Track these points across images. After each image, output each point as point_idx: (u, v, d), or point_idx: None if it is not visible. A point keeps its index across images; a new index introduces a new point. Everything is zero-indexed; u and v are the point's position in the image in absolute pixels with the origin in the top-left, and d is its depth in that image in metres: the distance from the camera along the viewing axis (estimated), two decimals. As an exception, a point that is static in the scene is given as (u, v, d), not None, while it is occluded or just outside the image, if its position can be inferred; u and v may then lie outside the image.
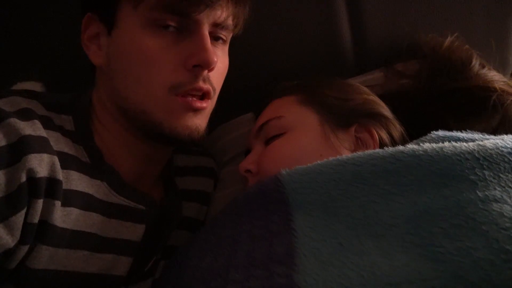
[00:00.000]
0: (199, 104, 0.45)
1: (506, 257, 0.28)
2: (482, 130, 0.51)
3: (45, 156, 0.40)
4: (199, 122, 0.46)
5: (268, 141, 0.51)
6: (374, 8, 0.69)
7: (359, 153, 0.41)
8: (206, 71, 0.44)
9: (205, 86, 0.45)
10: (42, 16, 0.62)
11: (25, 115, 0.42)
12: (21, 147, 0.38)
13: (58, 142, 0.43)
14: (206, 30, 0.44)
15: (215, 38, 0.47)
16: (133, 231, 0.48)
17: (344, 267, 0.33)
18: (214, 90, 0.47)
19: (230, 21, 0.47)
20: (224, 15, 0.45)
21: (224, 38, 0.48)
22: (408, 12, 0.71)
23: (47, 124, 0.43)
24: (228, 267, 0.37)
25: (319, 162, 0.42)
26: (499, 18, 0.74)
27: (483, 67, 0.62)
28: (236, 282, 0.34)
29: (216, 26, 0.46)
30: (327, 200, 0.39)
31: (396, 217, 0.36)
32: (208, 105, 0.47)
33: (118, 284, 0.48)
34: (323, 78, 0.57)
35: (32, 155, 0.39)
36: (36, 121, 0.42)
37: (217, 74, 0.47)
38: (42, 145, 0.40)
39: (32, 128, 0.40)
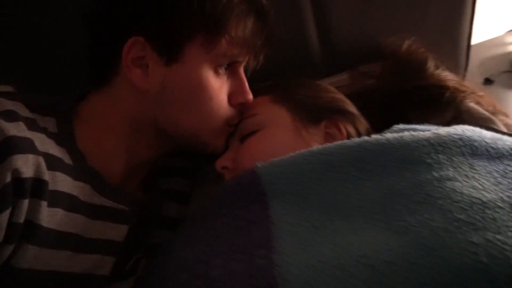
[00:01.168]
0: None
1: (458, 224, 0.32)
2: (438, 124, 0.56)
3: (30, 157, 0.40)
4: None
5: (243, 139, 0.54)
6: (339, 14, 0.74)
7: (329, 144, 0.44)
8: None
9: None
10: (19, 20, 0.61)
11: (10, 116, 0.41)
12: (6, 148, 0.38)
13: (43, 143, 0.43)
14: (243, 72, 0.53)
15: None
16: (117, 232, 0.48)
17: (319, 246, 0.35)
18: None
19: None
20: (251, 61, 0.55)
21: None
22: (371, 18, 0.76)
23: (32, 125, 0.43)
24: (210, 254, 0.38)
25: (292, 154, 0.45)
26: (451, 23, 0.81)
27: (438, 67, 0.68)
28: (218, 267, 0.36)
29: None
30: (301, 188, 0.42)
31: (364, 199, 0.39)
32: None
33: (102, 283, 0.48)
34: (294, 78, 0.61)
35: (17, 155, 0.39)
36: (21, 123, 0.42)
37: None
38: (27, 146, 0.40)
39: (16, 129, 0.40)
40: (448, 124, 0.59)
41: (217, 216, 0.44)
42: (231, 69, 0.52)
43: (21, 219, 0.39)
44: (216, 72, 0.49)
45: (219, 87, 0.50)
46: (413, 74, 0.65)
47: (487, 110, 0.63)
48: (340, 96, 0.59)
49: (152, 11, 0.47)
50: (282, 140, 0.52)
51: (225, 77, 0.51)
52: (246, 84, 0.53)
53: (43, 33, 0.60)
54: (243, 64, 0.53)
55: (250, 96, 0.53)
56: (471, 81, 0.71)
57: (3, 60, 0.59)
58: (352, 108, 0.57)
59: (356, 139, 0.44)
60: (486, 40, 1.14)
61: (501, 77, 1.01)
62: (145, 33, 0.46)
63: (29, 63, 0.61)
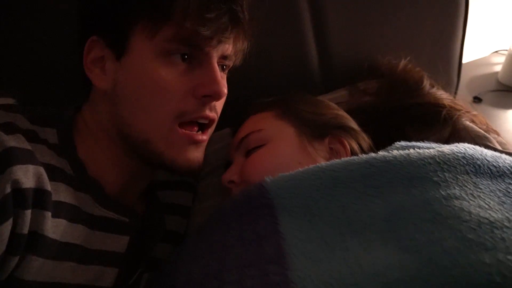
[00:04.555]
0: (200, 137, 0.47)
1: (469, 244, 0.33)
2: (436, 141, 0.57)
3: (30, 167, 0.39)
4: (199, 154, 0.48)
5: (248, 153, 0.54)
6: (338, 34, 0.76)
7: (337, 160, 0.45)
8: (214, 101, 0.47)
9: (211, 114, 0.47)
10: (16, 32, 0.61)
11: (9, 128, 0.41)
12: (5, 159, 0.38)
13: (43, 154, 0.43)
14: (216, 63, 0.46)
15: (219, 67, 0.49)
16: (118, 243, 0.48)
17: (332, 262, 0.35)
18: (217, 117, 0.49)
19: (234, 55, 0.50)
20: (230, 49, 0.48)
21: (227, 67, 0.51)
22: (367, 37, 0.78)
23: (32, 137, 0.43)
24: (222, 270, 0.38)
25: (300, 169, 0.45)
26: (443, 44, 0.85)
27: (433, 86, 0.70)
28: (232, 283, 0.36)
29: (223, 58, 0.49)
30: (310, 203, 0.42)
31: (373, 216, 0.39)
32: (208, 137, 0.49)
33: None
34: (297, 94, 0.61)
35: (17, 166, 0.38)
36: (20, 135, 0.41)
37: (220, 102, 0.49)
38: (27, 157, 0.40)
39: (16, 141, 0.40)
40: (446, 141, 0.61)
41: (225, 230, 0.44)
42: (199, 59, 0.46)
43: (25, 230, 0.38)
44: (169, 61, 0.44)
45: (172, 77, 0.44)
46: (410, 92, 0.67)
47: (481, 129, 0.65)
48: (343, 113, 0.60)
49: (97, 7, 0.46)
50: (288, 155, 0.52)
51: (183, 67, 0.45)
52: (217, 75, 0.45)
53: (44, 44, 0.59)
54: (216, 53, 0.46)
55: (219, 87, 0.45)
56: (462, 99, 0.73)
57: (4, 73, 0.58)
58: (354, 124, 0.58)
59: (364, 156, 0.44)
60: (473, 60, 1.19)
61: (488, 96, 1.04)
62: (98, 32, 0.46)
63: (30, 75, 0.60)
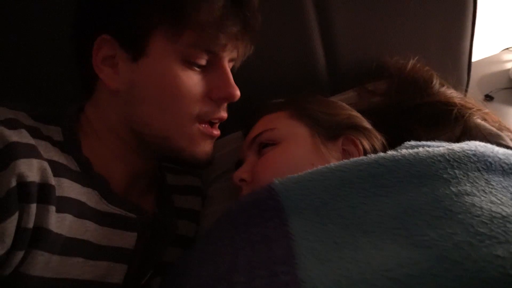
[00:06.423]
0: (215, 132, 0.51)
1: (481, 238, 0.32)
2: (448, 140, 0.57)
3: (34, 161, 0.40)
4: (212, 147, 0.52)
5: (261, 152, 0.54)
6: (344, 34, 0.76)
7: (346, 160, 0.45)
8: (227, 103, 0.50)
9: (225, 115, 0.51)
10: (16, 37, 0.62)
11: (12, 124, 0.41)
12: (9, 153, 0.38)
13: (47, 150, 0.43)
14: (228, 66, 0.49)
15: None
16: (126, 239, 0.48)
17: (342, 261, 0.35)
18: None
19: (239, 58, 0.53)
20: (238, 52, 0.51)
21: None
22: (374, 38, 0.78)
23: (35, 133, 0.43)
24: (231, 272, 0.38)
25: (309, 170, 0.45)
26: (452, 42, 0.84)
27: (443, 85, 0.70)
28: (241, 284, 0.36)
29: (230, 61, 0.51)
30: (319, 204, 0.42)
31: (383, 215, 0.39)
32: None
33: None
34: (310, 95, 0.62)
35: (21, 160, 0.38)
36: (23, 130, 0.42)
37: None
38: (30, 151, 0.40)
39: (19, 136, 0.40)
40: (458, 140, 0.60)
41: (234, 233, 0.44)
42: (212, 62, 0.48)
43: (30, 225, 0.39)
44: (188, 65, 0.46)
45: (192, 83, 0.46)
46: (420, 91, 0.67)
47: (493, 127, 0.64)
48: (356, 113, 0.60)
49: (113, 7, 0.46)
50: (301, 155, 0.52)
51: (200, 71, 0.47)
52: (230, 77, 0.49)
53: (40, 46, 0.60)
54: (228, 56, 0.49)
55: (234, 90, 0.48)
56: (473, 98, 0.72)
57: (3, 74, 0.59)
58: (367, 124, 0.58)
59: (373, 156, 0.44)
60: (484, 58, 1.17)
61: (500, 94, 1.03)
62: (111, 31, 0.46)
63: (27, 77, 0.61)
